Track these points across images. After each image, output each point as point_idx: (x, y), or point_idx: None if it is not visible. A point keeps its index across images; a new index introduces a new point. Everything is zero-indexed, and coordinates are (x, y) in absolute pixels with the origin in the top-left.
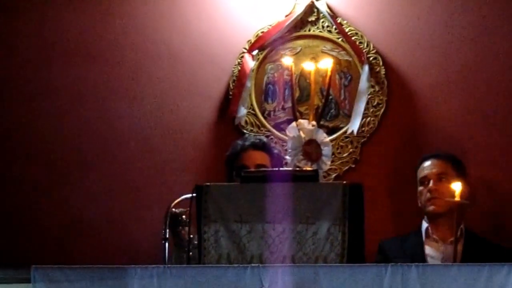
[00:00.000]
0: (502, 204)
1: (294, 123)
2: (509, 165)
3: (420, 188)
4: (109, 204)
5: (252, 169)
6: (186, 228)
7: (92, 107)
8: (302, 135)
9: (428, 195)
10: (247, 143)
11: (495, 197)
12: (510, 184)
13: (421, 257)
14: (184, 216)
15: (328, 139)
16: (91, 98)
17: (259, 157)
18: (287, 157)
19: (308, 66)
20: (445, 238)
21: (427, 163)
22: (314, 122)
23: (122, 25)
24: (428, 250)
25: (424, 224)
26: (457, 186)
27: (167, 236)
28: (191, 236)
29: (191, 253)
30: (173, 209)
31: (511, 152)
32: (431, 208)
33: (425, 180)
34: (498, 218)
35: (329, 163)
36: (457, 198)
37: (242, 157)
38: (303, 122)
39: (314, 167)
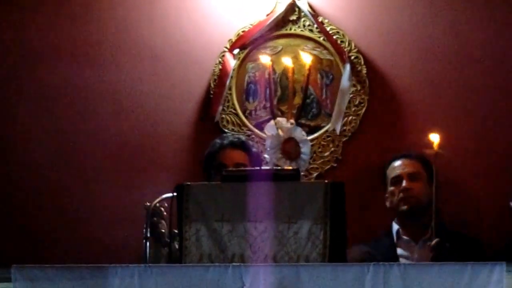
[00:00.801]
0: (470, 205)
1: (272, 122)
2: (484, 167)
3: (392, 188)
4: (90, 204)
5: (232, 168)
6: (163, 222)
7: (73, 108)
8: (281, 133)
9: (401, 194)
10: (225, 142)
11: (465, 197)
12: (482, 185)
13: (393, 259)
14: (163, 211)
15: (306, 137)
16: (73, 99)
17: (237, 156)
18: (265, 155)
19: (287, 61)
20: (416, 238)
21: (398, 163)
22: (292, 121)
23: (103, 25)
24: (400, 251)
25: (395, 226)
26: (435, 137)
27: (148, 235)
28: (164, 231)
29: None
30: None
31: (488, 154)
32: (404, 207)
33: (397, 180)
34: (465, 218)
35: (308, 161)
36: (435, 148)
37: (220, 156)
38: (281, 120)
39: (293, 165)
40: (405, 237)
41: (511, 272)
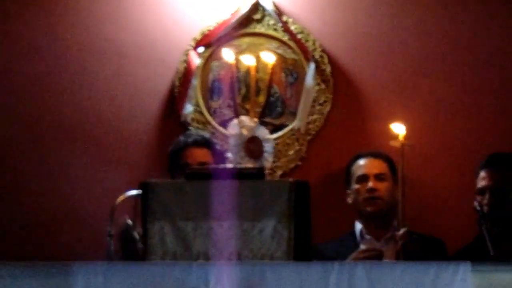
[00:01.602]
0: (436, 203)
1: (235, 120)
2: (447, 166)
3: (357, 186)
4: (54, 201)
5: (197, 166)
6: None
7: (38, 104)
8: (244, 132)
9: (367, 194)
10: (189, 140)
11: (430, 196)
12: (447, 184)
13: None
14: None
15: (270, 135)
16: (37, 95)
17: (201, 154)
18: (229, 154)
19: (250, 60)
20: (379, 236)
21: (365, 161)
22: (255, 119)
23: (68, 22)
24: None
25: (358, 225)
26: (400, 129)
27: (112, 232)
28: (131, 226)
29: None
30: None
31: (453, 152)
32: (370, 208)
33: (363, 179)
34: (429, 216)
35: (271, 159)
36: (400, 139)
37: (184, 154)
38: (244, 119)
39: (257, 164)
40: (368, 236)
41: (476, 271)
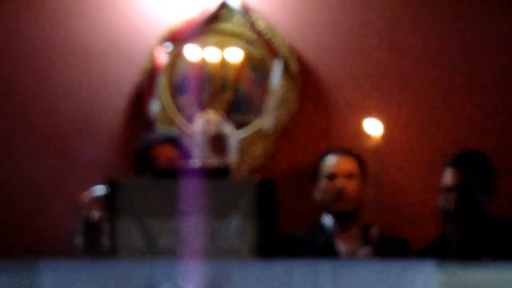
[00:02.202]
0: (409, 205)
1: (200, 117)
2: (418, 164)
3: (325, 183)
4: (20, 198)
5: (164, 164)
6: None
7: (3, 101)
8: (208, 128)
9: (335, 193)
10: (156, 137)
11: (404, 197)
12: (418, 184)
13: (331, 253)
14: (97, 218)
15: (234, 132)
16: (2, 92)
17: (169, 152)
18: (193, 149)
19: (216, 58)
20: (344, 233)
21: (335, 159)
22: (220, 116)
23: (33, 19)
24: (336, 245)
25: (328, 220)
26: (374, 128)
27: (80, 229)
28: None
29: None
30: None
31: (422, 151)
32: (336, 206)
33: (332, 176)
34: (404, 219)
35: (236, 156)
36: (374, 139)
37: (152, 151)
38: (209, 116)
39: (221, 161)
40: (338, 232)
41: (440, 269)
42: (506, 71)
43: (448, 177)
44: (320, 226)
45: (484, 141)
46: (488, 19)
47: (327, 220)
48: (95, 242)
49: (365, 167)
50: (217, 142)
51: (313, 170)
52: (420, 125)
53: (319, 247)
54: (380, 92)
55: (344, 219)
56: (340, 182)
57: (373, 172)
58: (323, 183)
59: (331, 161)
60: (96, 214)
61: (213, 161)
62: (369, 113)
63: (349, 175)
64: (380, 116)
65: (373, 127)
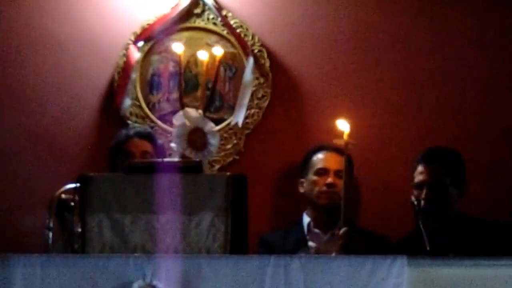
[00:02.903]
0: (392, 202)
1: (181, 111)
2: (389, 162)
3: (314, 177)
4: None
5: (137, 159)
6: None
7: None
8: (187, 123)
9: (325, 188)
10: (131, 131)
11: (386, 195)
12: (400, 181)
13: (304, 251)
14: (72, 203)
15: (215, 128)
16: None
17: (144, 145)
18: (172, 144)
19: (202, 55)
20: (326, 231)
21: (327, 155)
22: (200, 111)
23: (6, 15)
24: (310, 243)
25: (306, 218)
26: (345, 126)
27: (51, 225)
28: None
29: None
30: (62, 195)
31: (392, 148)
32: (323, 201)
33: (323, 172)
34: (388, 216)
35: (215, 152)
36: (345, 138)
37: (127, 145)
38: (189, 110)
39: (199, 156)
40: (315, 230)
41: (412, 265)
42: (470, 68)
43: (419, 173)
44: (299, 223)
45: (447, 138)
46: (452, 17)
47: (307, 219)
48: (66, 238)
49: (353, 166)
50: (195, 137)
51: (301, 165)
52: (390, 122)
53: (293, 246)
54: (350, 89)
55: (326, 215)
56: (330, 178)
57: (345, 171)
58: (311, 178)
59: (323, 157)
60: (71, 206)
61: (190, 154)
62: (339, 109)
63: (338, 173)
64: (349, 112)
65: (343, 125)
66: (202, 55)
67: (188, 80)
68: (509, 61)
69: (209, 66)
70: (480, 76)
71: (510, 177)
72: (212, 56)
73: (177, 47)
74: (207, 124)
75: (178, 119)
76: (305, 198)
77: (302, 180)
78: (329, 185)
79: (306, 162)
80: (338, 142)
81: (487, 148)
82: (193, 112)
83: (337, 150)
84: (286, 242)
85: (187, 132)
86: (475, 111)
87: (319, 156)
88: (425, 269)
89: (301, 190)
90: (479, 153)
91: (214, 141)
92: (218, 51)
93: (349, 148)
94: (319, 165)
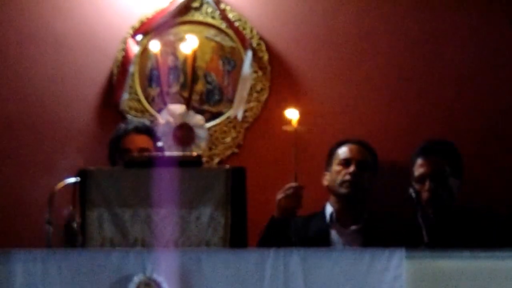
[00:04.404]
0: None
1: (165, 109)
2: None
3: (338, 168)
4: None
5: (136, 153)
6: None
7: None
8: (171, 119)
9: (348, 177)
10: (130, 126)
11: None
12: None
13: (326, 242)
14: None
15: (203, 122)
16: None
17: (142, 141)
18: (159, 143)
19: (186, 48)
20: (348, 224)
21: (351, 147)
22: (184, 106)
23: (6, 10)
24: (333, 234)
25: (329, 208)
26: (293, 114)
27: (51, 219)
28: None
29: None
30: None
31: (399, 140)
32: (346, 190)
33: (346, 162)
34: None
35: (204, 146)
36: (294, 125)
37: (125, 140)
38: (173, 107)
39: (187, 151)
40: (338, 221)
41: (410, 258)
42: (467, 64)
43: (420, 166)
44: (322, 213)
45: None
46: (452, 13)
47: (330, 209)
48: (67, 233)
49: (376, 160)
50: (181, 133)
51: (327, 157)
52: (391, 114)
53: (314, 235)
54: (349, 81)
55: (347, 205)
56: (353, 168)
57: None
58: (335, 168)
59: (347, 149)
60: (71, 206)
61: (176, 151)
62: (338, 102)
63: (362, 164)
64: (348, 105)
65: (291, 113)
66: (200, 49)
67: (186, 74)
68: (504, 55)
69: (207, 59)
70: (476, 72)
71: (503, 172)
72: (210, 50)
73: (170, 42)
74: (193, 118)
75: (163, 116)
76: (327, 189)
77: (326, 173)
78: (352, 174)
79: (330, 155)
80: (288, 128)
81: (480, 143)
82: (177, 108)
83: (361, 143)
84: (308, 229)
85: (171, 129)
86: (469, 106)
87: (343, 148)
88: (423, 261)
89: (325, 183)
90: (471, 149)
91: (203, 135)
92: (214, 45)
93: (298, 133)
94: (343, 156)
